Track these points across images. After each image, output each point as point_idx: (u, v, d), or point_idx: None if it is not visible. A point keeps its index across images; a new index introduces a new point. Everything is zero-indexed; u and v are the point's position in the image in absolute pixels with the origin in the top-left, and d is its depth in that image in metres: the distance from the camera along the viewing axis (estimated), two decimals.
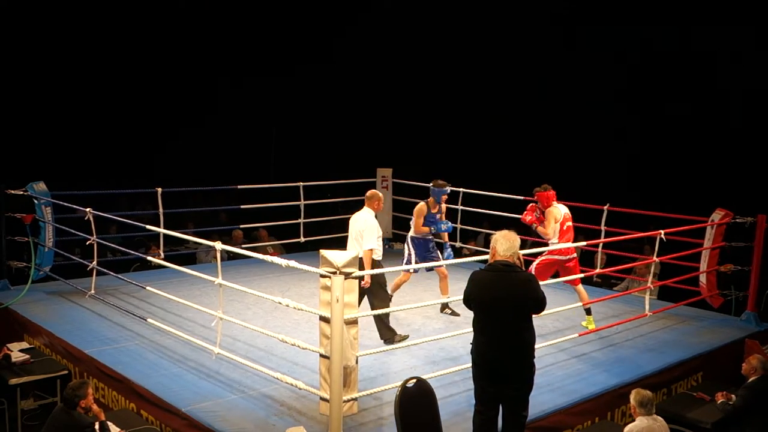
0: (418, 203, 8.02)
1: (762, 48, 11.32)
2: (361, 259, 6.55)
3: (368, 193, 7.20)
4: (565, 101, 13.89)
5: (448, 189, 7.97)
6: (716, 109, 12.04)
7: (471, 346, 4.90)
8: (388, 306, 6.84)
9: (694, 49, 12.17)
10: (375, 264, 6.84)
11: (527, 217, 7.85)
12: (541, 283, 4.97)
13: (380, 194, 7.24)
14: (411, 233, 7.95)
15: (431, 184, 8.01)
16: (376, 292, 6.82)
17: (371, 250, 6.80)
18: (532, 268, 7.50)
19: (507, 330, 4.75)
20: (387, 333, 6.88)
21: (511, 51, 14.42)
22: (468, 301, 4.93)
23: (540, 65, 14.24)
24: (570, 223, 7.66)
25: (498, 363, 4.76)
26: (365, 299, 6.82)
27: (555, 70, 14.08)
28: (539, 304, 4.81)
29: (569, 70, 13.89)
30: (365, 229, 6.85)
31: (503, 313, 4.73)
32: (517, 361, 4.77)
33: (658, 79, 12.87)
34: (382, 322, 6.88)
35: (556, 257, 7.51)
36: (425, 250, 7.91)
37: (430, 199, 7.94)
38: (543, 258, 7.58)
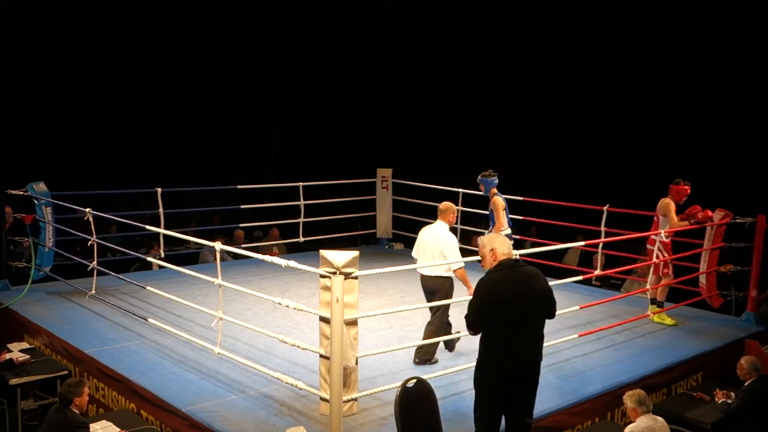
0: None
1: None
2: None
3: (442, 206, 6.74)
4: (565, 101, 13.89)
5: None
6: (717, 110, 12.04)
7: (478, 354, 4.79)
8: (446, 332, 6.53)
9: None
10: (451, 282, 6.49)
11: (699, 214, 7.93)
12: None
13: (454, 207, 6.80)
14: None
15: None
16: (439, 316, 6.48)
17: (463, 267, 6.43)
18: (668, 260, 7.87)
19: (528, 326, 4.73)
20: (429, 354, 6.52)
21: (511, 50, 14.44)
22: (481, 308, 4.72)
23: (539, 65, 14.25)
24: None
25: (518, 362, 4.69)
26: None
27: (555, 69, 14.08)
28: (552, 299, 4.84)
29: (569, 69, 13.89)
30: (445, 247, 6.41)
31: (529, 308, 4.71)
32: (534, 359, 4.76)
33: (657, 79, 12.88)
34: (432, 346, 6.49)
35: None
36: None
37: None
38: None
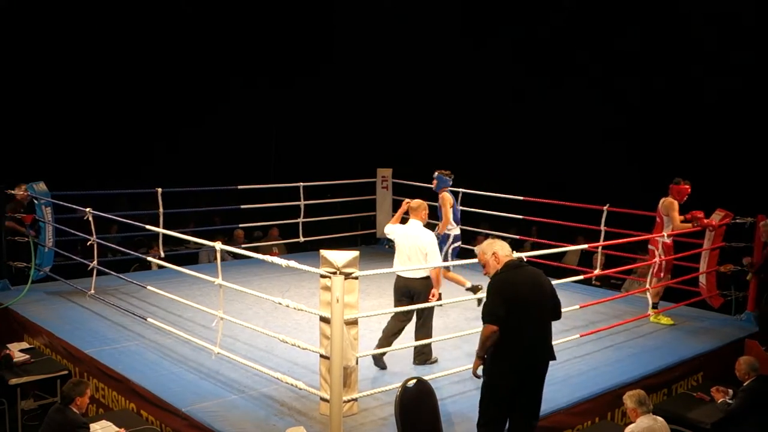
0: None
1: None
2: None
3: (413, 204, 6.54)
4: (566, 101, 13.89)
5: None
6: (717, 110, 12.04)
7: (490, 357, 4.72)
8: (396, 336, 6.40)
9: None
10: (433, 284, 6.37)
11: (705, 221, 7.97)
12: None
13: (425, 203, 6.60)
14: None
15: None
16: (429, 316, 6.41)
17: (444, 267, 6.31)
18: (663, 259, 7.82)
19: (540, 325, 4.78)
20: (428, 355, 6.48)
21: (510, 50, 14.43)
22: (504, 303, 4.63)
23: (539, 65, 14.24)
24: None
25: (534, 360, 4.74)
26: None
27: (555, 69, 14.08)
28: (557, 298, 4.91)
29: (569, 69, 13.89)
30: (428, 247, 6.26)
31: (540, 306, 4.76)
32: (547, 357, 4.82)
33: (657, 79, 12.88)
34: (427, 347, 6.46)
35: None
36: None
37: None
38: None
